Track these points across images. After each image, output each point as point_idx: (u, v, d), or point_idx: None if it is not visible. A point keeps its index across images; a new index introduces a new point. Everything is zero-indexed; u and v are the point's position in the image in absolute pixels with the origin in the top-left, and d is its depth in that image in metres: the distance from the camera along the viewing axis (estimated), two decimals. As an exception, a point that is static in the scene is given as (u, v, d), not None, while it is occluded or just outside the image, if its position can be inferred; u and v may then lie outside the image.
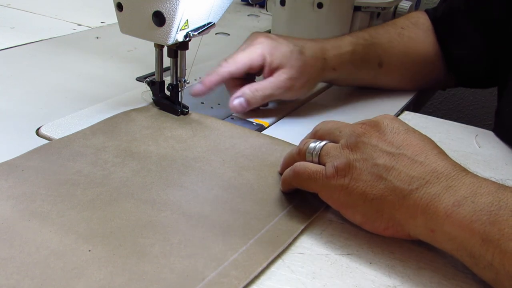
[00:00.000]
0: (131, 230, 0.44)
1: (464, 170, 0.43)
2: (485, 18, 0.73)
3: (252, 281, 0.41)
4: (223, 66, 0.64)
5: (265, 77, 0.65)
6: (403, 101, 0.76)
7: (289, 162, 0.51)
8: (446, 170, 0.42)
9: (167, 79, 0.65)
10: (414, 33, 0.77)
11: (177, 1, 0.56)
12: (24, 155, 0.53)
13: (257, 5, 1.21)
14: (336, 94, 0.77)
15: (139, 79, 0.76)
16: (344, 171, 0.44)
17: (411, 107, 0.77)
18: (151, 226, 0.44)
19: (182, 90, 0.63)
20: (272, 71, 0.65)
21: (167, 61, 0.64)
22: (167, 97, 0.65)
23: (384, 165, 0.43)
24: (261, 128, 0.64)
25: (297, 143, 0.59)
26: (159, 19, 0.57)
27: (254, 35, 0.68)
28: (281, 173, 0.52)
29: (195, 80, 0.77)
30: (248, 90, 0.64)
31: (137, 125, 0.61)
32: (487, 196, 0.39)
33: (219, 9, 0.63)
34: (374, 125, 0.47)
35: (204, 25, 0.62)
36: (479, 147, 0.65)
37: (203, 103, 0.70)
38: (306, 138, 0.53)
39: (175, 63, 0.63)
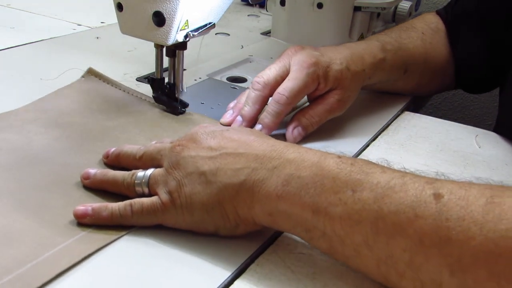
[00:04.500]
0: (40, 188, 0.49)
1: (286, 147, 0.44)
2: (494, 19, 0.74)
3: (252, 281, 0.41)
4: (281, 102, 0.60)
5: (312, 97, 0.64)
6: (403, 101, 0.76)
7: (109, 187, 0.49)
8: (267, 152, 0.43)
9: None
10: (435, 40, 0.77)
11: (177, 1, 0.56)
12: None
13: (257, 5, 1.21)
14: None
15: (139, 79, 0.76)
16: (177, 192, 0.44)
17: (411, 107, 0.77)
18: (58, 184, 0.50)
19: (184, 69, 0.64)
20: (323, 94, 0.63)
21: (167, 61, 0.64)
22: (167, 94, 0.65)
23: (209, 170, 0.44)
24: (261, 128, 0.64)
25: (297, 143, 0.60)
26: (159, 19, 0.57)
27: (296, 53, 0.63)
28: (87, 185, 0.50)
29: (195, 80, 0.77)
30: (304, 118, 0.62)
31: (67, 100, 0.65)
32: (310, 168, 0.41)
33: (219, 9, 0.63)
34: (190, 138, 0.47)
35: (204, 25, 0.62)
36: (479, 147, 0.65)
37: (203, 103, 0.70)
38: (130, 156, 0.51)
39: (173, 63, 0.63)
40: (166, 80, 0.65)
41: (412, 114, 0.73)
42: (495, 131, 0.70)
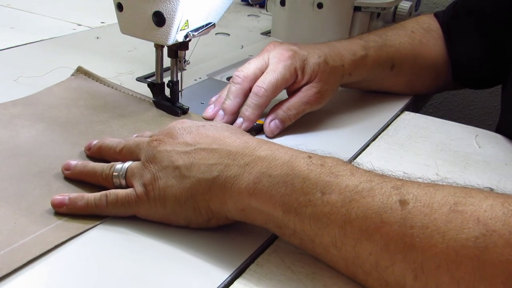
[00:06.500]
0: (20, 178, 0.50)
1: (259, 143, 0.45)
2: (495, 18, 0.74)
3: (252, 281, 0.41)
4: (260, 94, 0.61)
5: (291, 91, 0.65)
6: (403, 101, 0.76)
7: (88, 178, 0.50)
8: (240, 149, 0.44)
9: (168, 79, 0.65)
10: (425, 39, 0.77)
11: (177, 1, 0.56)
12: None
13: (257, 5, 1.21)
14: (335, 95, 0.77)
15: (139, 79, 0.75)
16: (152, 185, 0.45)
17: (411, 107, 0.77)
18: (38, 175, 0.51)
19: (184, 70, 0.64)
20: (301, 86, 0.64)
21: (167, 61, 0.64)
22: (168, 98, 0.65)
23: (184, 165, 0.45)
24: (261, 128, 0.64)
25: (296, 144, 0.59)
26: (159, 19, 0.57)
27: (274, 47, 0.65)
28: (67, 176, 0.51)
29: (195, 80, 0.77)
30: (280, 110, 0.63)
31: (56, 97, 0.66)
32: (281, 167, 0.42)
33: (219, 9, 0.63)
34: (167, 133, 0.48)
35: (204, 25, 0.62)
36: (479, 147, 0.65)
37: (203, 103, 0.70)
38: (110, 149, 0.52)
39: (175, 63, 0.63)
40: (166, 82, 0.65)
41: (412, 114, 0.73)
42: (497, 130, 0.70)
